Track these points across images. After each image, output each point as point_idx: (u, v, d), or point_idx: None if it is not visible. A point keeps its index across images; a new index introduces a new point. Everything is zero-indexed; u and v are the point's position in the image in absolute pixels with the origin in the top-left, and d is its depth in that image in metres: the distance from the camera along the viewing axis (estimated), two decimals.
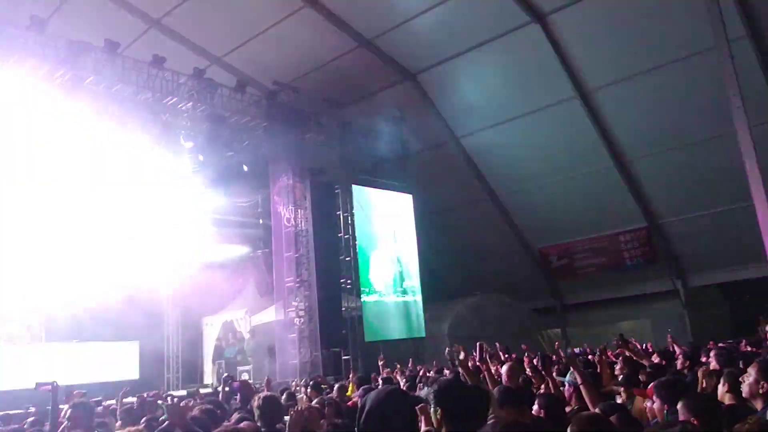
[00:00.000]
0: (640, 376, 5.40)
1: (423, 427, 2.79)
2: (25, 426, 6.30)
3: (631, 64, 14.26)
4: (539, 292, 19.66)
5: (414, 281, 17.13)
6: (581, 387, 4.46)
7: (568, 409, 4.50)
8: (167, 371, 16.37)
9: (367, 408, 2.46)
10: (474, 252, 19.53)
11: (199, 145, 13.79)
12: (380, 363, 9.54)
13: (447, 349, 4.84)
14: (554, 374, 5.58)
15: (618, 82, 14.77)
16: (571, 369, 4.79)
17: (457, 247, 19.57)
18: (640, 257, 17.65)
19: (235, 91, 13.98)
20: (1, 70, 10.61)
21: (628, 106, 15.12)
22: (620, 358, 6.48)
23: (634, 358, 6.56)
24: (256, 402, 4.39)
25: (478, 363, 5.19)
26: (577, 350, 11.35)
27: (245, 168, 15.08)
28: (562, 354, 7.46)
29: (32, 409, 7.90)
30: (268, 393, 4.85)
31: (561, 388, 5.12)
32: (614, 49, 14.20)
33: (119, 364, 13.54)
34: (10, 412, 8.67)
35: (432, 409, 2.65)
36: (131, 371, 13.55)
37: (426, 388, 4.48)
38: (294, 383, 10.31)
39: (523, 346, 10.79)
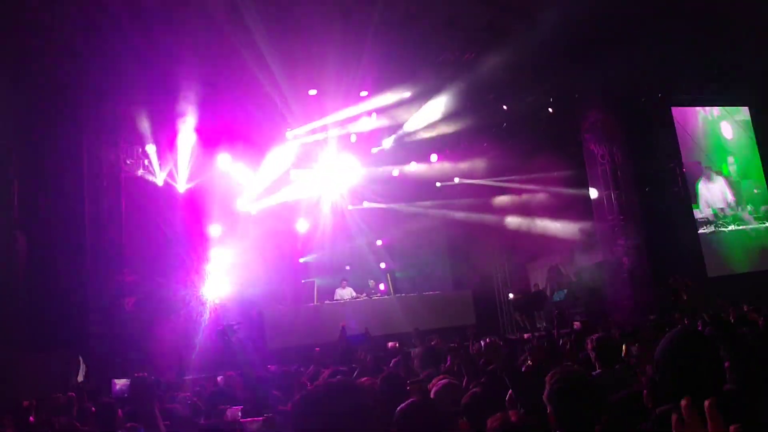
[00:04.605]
0: None
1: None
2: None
3: None
4: None
5: (762, 205, 14.87)
6: None
7: None
8: (501, 316, 17.18)
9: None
10: None
11: (500, 95, 13.99)
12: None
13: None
14: None
15: None
16: None
17: None
18: None
19: (528, 33, 13.65)
20: None
21: None
22: None
23: None
24: (590, 344, 4.34)
25: None
26: None
27: (550, 111, 14.77)
28: None
29: None
30: (603, 334, 4.74)
31: None
32: None
33: (458, 311, 14.60)
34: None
35: None
36: (469, 317, 14.51)
37: None
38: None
39: None
